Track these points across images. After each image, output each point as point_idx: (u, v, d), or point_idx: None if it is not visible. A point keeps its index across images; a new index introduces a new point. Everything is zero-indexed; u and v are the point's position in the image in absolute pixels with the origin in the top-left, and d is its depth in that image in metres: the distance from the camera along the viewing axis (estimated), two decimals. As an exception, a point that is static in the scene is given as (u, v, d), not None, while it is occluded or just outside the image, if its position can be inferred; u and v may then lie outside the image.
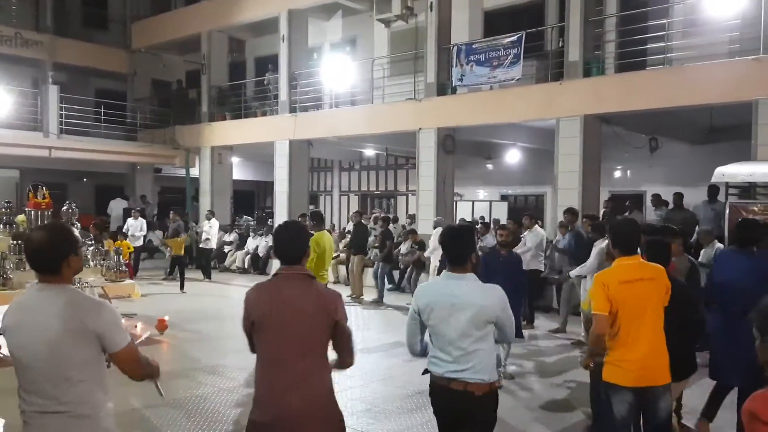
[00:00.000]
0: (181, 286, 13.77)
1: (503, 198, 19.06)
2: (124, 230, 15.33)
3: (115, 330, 2.64)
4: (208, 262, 16.20)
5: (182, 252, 14.35)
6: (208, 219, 16.10)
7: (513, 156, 17.87)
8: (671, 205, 12.24)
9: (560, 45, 13.46)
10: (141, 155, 20.59)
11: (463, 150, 15.60)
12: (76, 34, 21.40)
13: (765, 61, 10.10)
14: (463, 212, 16.79)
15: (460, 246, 3.45)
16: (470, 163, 18.22)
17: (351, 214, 16.54)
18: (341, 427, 3.13)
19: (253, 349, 3.10)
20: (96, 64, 21.53)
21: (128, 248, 13.38)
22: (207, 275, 15.84)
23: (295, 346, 2.96)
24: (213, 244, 16.18)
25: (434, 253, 12.13)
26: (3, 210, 9.31)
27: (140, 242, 15.87)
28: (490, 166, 19.11)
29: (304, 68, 17.67)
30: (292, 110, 17.30)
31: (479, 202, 18.42)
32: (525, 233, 11.25)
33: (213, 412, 6.00)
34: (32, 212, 8.67)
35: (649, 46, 12.17)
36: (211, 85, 19.97)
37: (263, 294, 3.06)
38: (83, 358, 2.58)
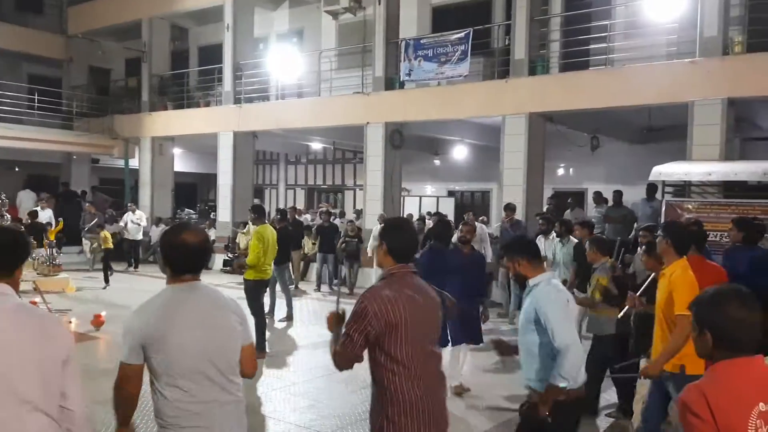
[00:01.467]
0: (106, 280, 13.28)
1: (450, 194, 19.22)
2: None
3: (248, 323, 2.81)
4: (135, 252, 16.14)
5: (110, 245, 13.83)
6: (133, 212, 16.03)
7: (460, 152, 18.02)
8: (611, 203, 12.55)
9: (507, 43, 13.61)
10: (77, 144, 19.84)
11: (411, 145, 15.63)
12: (9, 17, 20.42)
13: (701, 64, 10.45)
14: (411, 208, 16.83)
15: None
16: (418, 158, 18.29)
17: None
18: None
19: (358, 358, 2.93)
20: (29, 49, 20.63)
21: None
22: (133, 265, 15.90)
23: (432, 338, 3.04)
24: (136, 236, 16.07)
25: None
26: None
27: None
28: (437, 162, 19.24)
29: (249, 58, 17.35)
30: (237, 101, 16.99)
31: (426, 198, 18.52)
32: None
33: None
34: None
35: (592, 46, 12.42)
36: (152, 74, 19.42)
37: (395, 293, 2.91)
38: (239, 346, 2.73)
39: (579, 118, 12.85)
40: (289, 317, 10.28)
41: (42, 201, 15.86)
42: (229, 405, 2.66)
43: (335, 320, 3.03)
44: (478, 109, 13.07)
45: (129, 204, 16.89)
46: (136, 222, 16.11)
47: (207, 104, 18.37)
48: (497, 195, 13.94)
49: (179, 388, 2.57)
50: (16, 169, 21.44)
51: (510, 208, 10.99)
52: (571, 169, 17.06)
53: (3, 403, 2.11)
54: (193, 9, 18.58)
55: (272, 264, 8.56)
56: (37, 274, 9.12)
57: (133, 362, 2.58)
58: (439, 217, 12.22)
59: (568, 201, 13.93)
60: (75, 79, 21.91)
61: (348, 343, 2.87)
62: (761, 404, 1.95)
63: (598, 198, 13.06)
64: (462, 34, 12.96)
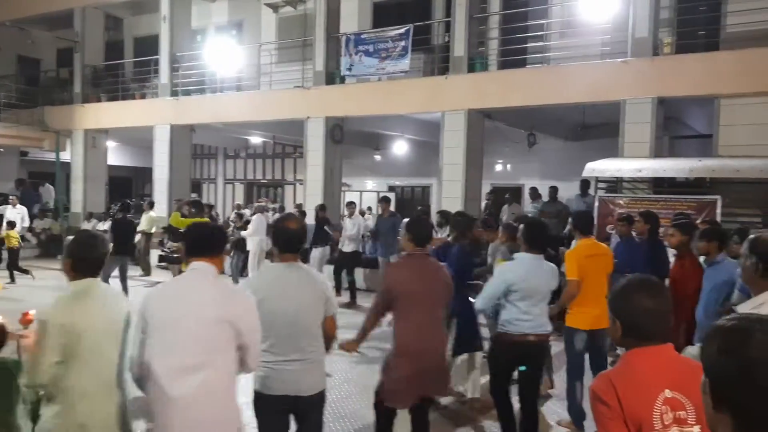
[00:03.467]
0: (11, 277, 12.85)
1: (391, 189, 19.28)
2: None
3: (333, 298, 3.53)
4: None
5: (15, 244, 13.26)
6: (14, 206, 15.01)
7: (400, 147, 18.11)
8: (547, 198, 12.84)
9: (446, 40, 13.73)
10: (4, 137, 18.90)
11: (352, 140, 15.61)
12: (-72, 1, 19.37)
13: (632, 64, 10.78)
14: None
15: (546, 238, 4.88)
16: (358, 153, 18.27)
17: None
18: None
19: (383, 311, 4.06)
20: (-48, 36, 19.63)
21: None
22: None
23: (435, 305, 4.07)
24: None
25: (253, 238, 12.44)
26: None
27: None
28: (378, 157, 19.27)
29: (186, 50, 16.95)
30: (174, 94, 16.59)
31: (367, 193, 18.53)
32: (346, 219, 12.00)
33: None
34: None
35: (529, 45, 12.66)
36: (85, 65, 18.76)
37: (408, 269, 4.05)
38: (321, 317, 3.42)
39: (516, 115, 13.09)
40: None
41: None
42: (304, 362, 3.33)
43: None
44: (418, 104, 13.15)
45: (10, 198, 15.70)
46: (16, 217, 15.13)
47: (143, 96, 17.86)
48: (437, 190, 14.06)
49: (268, 344, 3.23)
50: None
51: (385, 201, 11.89)
52: (508, 165, 17.37)
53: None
54: (128, -2, 18.07)
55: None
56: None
57: None
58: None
59: (506, 196, 14.18)
60: (2, 69, 20.93)
61: (376, 302, 4.06)
62: (667, 391, 2.00)
63: (534, 193, 13.33)
64: (402, 30, 12.99)
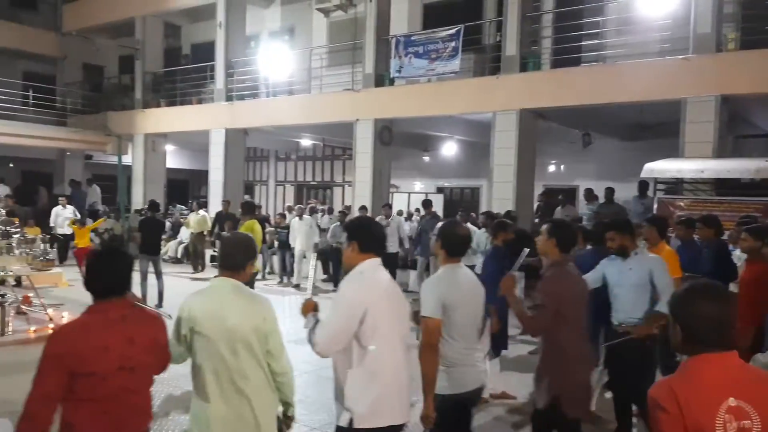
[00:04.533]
0: None
1: (439, 190, 19.14)
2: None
3: None
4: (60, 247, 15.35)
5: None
6: (64, 206, 15.50)
7: (449, 148, 17.95)
8: (602, 200, 12.46)
9: (497, 39, 13.52)
10: (71, 141, 19.83)
11: (400, 142, 15.56)
12: (3, 14, 20.40)
13: (694, 61, 10.36)
14: (400, 204, 16.76)
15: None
16: (407, 154, 18.23)
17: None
18: None
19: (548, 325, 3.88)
20: (24, 46, 20.63)
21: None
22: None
23: (584, 308, 4.08)
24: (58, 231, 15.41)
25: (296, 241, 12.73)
26: None
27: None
28: (426, 159, 19.18)
29: (241, 56, 17.28)
30: (229, 98, 16.92)
31: (415, 194, 18.43)
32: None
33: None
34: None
35: (584, 43, 12.33)
36: (145, 71, 19.37)
37: (570, 279, 3.96)
38: None
39: (570, 114, 12.75)
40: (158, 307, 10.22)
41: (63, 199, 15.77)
42: (480, 352, 3.81)
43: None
44: (469, 105, 12.99)
45: (60, 199, 16.30)
46: (67, 217, 15.50)
47: (199, 101, 18.30)
48: (487, 191, 13.85)
49: (459, 339, 3.50)
50: (11, 165, 21.41)
51: (428, 205, 12.15)
52: (562, 166, 16.98)
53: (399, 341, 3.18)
54: (186, 7, 18.56)
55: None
56: (31, 268, 8.95)
57: (437, 316, 3.41)
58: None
59: (559, 198, 13.85)
60: (69, 76, 21.89)
61: (540, 326, 3.91)
62: (731, 399, 1.92)
63: (590, 195, 12.96)
64: (453, 31, 12.87)
